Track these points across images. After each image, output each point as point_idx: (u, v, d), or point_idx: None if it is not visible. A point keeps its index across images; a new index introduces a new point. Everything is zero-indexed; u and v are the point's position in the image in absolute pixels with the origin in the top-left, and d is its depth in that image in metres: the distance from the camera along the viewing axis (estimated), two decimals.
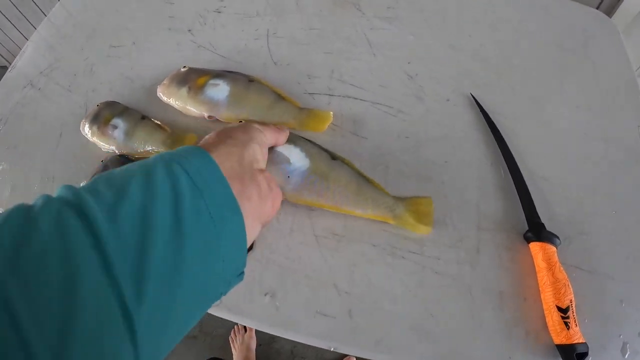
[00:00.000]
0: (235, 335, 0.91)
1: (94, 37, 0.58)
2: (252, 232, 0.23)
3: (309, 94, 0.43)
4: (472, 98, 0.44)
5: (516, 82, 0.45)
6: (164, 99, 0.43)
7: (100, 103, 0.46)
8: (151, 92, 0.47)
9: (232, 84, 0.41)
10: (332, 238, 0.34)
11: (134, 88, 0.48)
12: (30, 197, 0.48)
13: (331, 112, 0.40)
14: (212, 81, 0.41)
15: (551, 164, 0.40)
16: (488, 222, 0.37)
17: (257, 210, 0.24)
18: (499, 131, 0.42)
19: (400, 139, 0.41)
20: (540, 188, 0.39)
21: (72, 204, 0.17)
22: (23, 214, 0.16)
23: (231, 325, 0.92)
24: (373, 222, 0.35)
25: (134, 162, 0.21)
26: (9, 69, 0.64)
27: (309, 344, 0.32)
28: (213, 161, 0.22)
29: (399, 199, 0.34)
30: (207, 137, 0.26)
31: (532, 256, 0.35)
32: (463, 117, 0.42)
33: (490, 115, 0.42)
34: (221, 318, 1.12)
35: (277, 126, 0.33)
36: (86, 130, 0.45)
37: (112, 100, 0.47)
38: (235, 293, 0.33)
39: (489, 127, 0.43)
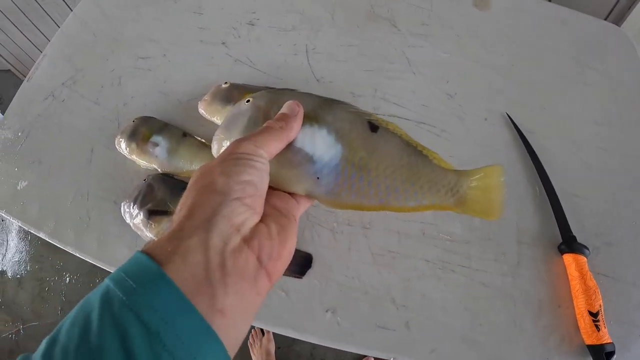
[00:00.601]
0: (254, 340, 0.90)
1: (117, 47, 0.55)
2: (240, 336, 0.18)
3: None
4: (507, 117, 0.44)
5: (544, 99, 0.46)
6: (207, 116, 0.41)
7: (136, 118, 0.44)
8: (188, 107, 0.45)
9: None
10: (387, 255, 0.35)
11: (169, 103, 0.46)
12: (63, 214, 0.46)
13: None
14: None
15: (578, 179, 0.42)
16: (526, 237, 0.39)
17: (243, 305, 0.17)
18: (533, 150, 0.43)
19: (445, 159, 0.41)
20: (570, 203, 0.41)
21: None
22: None
23: (249, 330, 0.91)
24: (424, 237, 0.36)
25: (80, 310, 0.16)
26: (26, 79, 0.60)
27: (368, 355, 0.34)
28: (170, 283, 0.15)
29: (462, 174, 0.26)
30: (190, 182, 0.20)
31: (565, 266, 0.38)
32: (500, 136, 0.43)
33: (524, 133, 0.43)
34: None
35: (284, 115, 0.23)
36: (123, 146, 0.43)
37: (147, 115, 0.45)
38: (297, 311, 0.33)
39: (524, 145, 0.43)
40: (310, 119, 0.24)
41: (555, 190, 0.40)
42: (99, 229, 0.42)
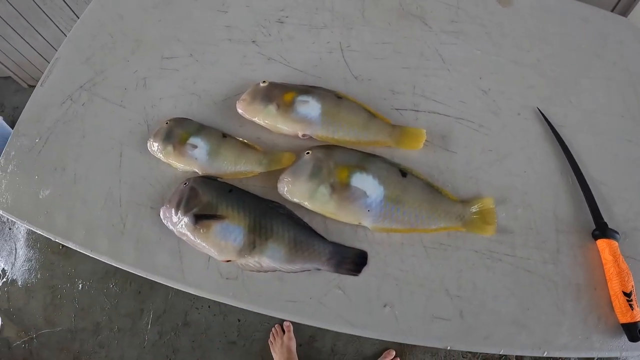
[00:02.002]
0: (275, 338, 0.85)
1: (139, 48, 0.51)
2: None
3: (396, 109, 0.40)
4: (538, 112, 0.43)
5: (571, 94, 0.45)
6: (247, 116, 0.38)
7: (170, 120, 0.40)
8: (224, 107, 0.41)
9: (322, 100, 0.36)
10: (439, 248, 0.35)
11: (202, 104, 0.42)
12: (93, 222, 0.42)
13: (424, 130, 0.37)
14: (300, 98, 0.37)
15: (606, 169, 0.41)
16: (563, 225, 0.39)
17: None
18: (564, 142, 0.42)
19: (485, 153, 0.40)
20: (600, 191, 0.40)
21: None
22: None
23: (269, 328, 0.88)
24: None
25: None
26: (39, 84, 0.54)
27: (426, 345, 0.34)
28: None
29: (466, 204, 0.34)
30: None
31: (598, 251, 0.37)
32: (533, 130, 0.42)
33: (555, 127, 0.42)
34: (259, 322, 1.06)
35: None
36: (156, 149, 0.39)
37: (180, 117, 0.41)
38: (355, 308, 0.32)
39: (556, 138, 0.42)
40: (359, 167, 0.33)
41: (586, 180, 0.40)
42: (135, 236, 0.38)
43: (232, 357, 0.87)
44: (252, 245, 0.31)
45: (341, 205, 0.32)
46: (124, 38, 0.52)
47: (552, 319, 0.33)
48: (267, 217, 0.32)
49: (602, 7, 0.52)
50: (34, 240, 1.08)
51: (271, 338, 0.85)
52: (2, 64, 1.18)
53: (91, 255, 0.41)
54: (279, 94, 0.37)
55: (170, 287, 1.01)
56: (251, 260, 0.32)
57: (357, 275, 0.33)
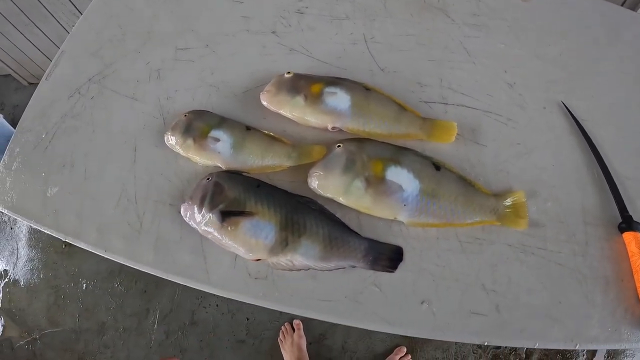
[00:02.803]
0: (284, 337, 0.81)
1: (150, 39, 0.47)
2: None
3: (425, 102, 0.37)
4: (563, 105, 0.41)
5: (592, 88, 0.43)
6: (272, 108, 0.35)
7: (188, 112, 0.36)
8: (245, 99, 0.38)
9: (351, 92, 0.34)
10: (474, 242, 0.33)
11: (222, 96, 0.39)
12: (107, 221, 0.38)
13: (455, 123, 0.35)
14: (327, 89, 0.34)
15: (630, 163, 0.40)
16: (590, 218, 0.38)
17: None
18: (589, 136, 0.40)
19: (514, 146, 0.38)
20: (625, 185, 0.39)
21: None
22: None
23: (278, 326, 0.84)
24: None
25: None
26: (44, 77, 0.50)
27: (463, 342, 0.32)
28: None
29: (499, 198, 0.33)
30: None
31: (625, 244, 0.36)
32: (558, 123, 0.40)
33: (579, 121, 0.40)
34: (269, 320, 1.02)
35: None
36: (175, 143, 0.35)
37: (198, 109, 0.37)
38: (392, 305, 0.30)
39: (581, 132, 0.41)
40: (393, 161, 0.31)
41: (611, 173, 0.38)
42: (154, 234, 0.35)
43: (241, 356, 0.83)
44: (285, 242, 0.29)
45: (377, 199, 0.30)
46: (134, 30, 0.48)
47: (582, 312, 0.32)
48: (299, 212, 0.29)
49: (612, 1, 0.51)
50: (36, 239, 1.02)
51: (281, 336, 0.82)
52: (2, 61, 1.11)
53: (105, 256, 0.37)
54: (305, 85, 0.34)
55: (176, 285, 0.96)
56: (283, 259, 0.29)
57: (393, 271, 0.30)
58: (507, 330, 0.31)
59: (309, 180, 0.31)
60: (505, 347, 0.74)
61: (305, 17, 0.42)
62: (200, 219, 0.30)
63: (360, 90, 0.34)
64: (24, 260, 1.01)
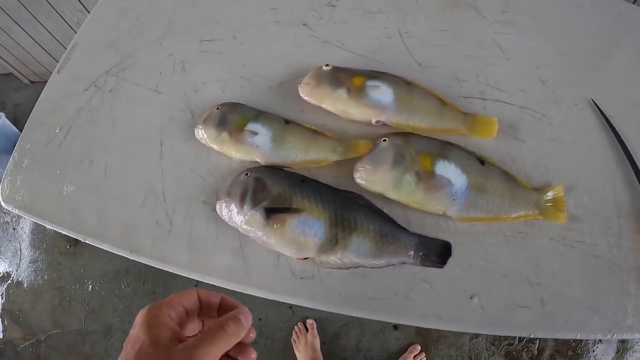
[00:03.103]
0: (298, 337, 0.78)
1: (172, 30, 0.43)
2: None
3: (464, 97, 0.35)
4: (592, 102, 0.39)
5: (620, 86, 0.42)
6: (312, 101, 0.32)
7: (221, 105, 0.33)
8: (281, 92, 0.35)
9: (394, 86, 0.31)
10: (518, 236, 0.32)
11: (255, 88, 0.36)
12: (132, 221, 0.34)
13: (496, 118, 0.33)
14: (370, 82, 0.31)
15: None
16: (623, 212, 0.38)
17: None
18: (617, 133, 0.39)
19: (550, 142, 0.36)
20: None
21: None
22: None
23: (291, 326, 0.80)
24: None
25: None
26: (56, 71, 0.45)
27: (512, 335, 0.33)
28: None
29: (540, 192, 0.32)
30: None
31: None
32: (589, 120, 0.39)
33: (608, 118, 0.39)
34: (281, 320, 0.98)
35: (233, 320, 0.19)
36: (207, 137, 0.32)
37: (231, 102, 0.34)
38: (442, 300, 0.29)
39: (610, 129, 0.39)
40: (440, 155, 0.30)
41: None
42: (186, 234, 0.31)
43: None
44: (335, 240, 0.26)
45: (428, 194, 0.28)
46: (154, 21, 0.44)
47: (618, 302, 0.32)
48: (349, 208, 0.27)
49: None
50: (39, 240, 0.95)
51: (294, 336, 0.78)
52: (3, 59, 1.03)
53: (131, 258, 0.33)
54: (346, 77, 0.31)
55: (186, 285, 0.91)
56: (332, 257, 0.26)
57: (442, 267, 0.28)
58: (552, 322, 0.30)
59: (355, 175, 0.29)
60: (518, 343, 0.73)
61: (337, 10, 0.39)
62: (241, 217, 0.27)
63: (402, 84, 0.32)
64: (27, 262, 0.94)
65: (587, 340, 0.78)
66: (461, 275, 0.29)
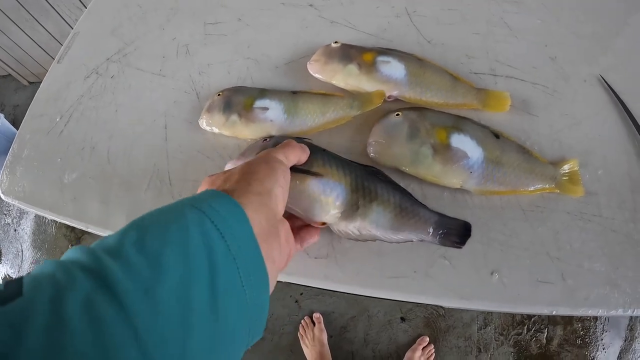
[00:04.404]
0: (305, 331, 0.75)
1: (175, 16, 0.41)
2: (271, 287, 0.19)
3: (475, 73, 0.34)
4: (602, 79, 0.38)
5: (626, 63, 0.41)
6: (322, 78, 0.30)
7: (222, 91, 0.31)
8: (289, 71, 0.34)
9: (405, 61, 0.30)
10: (536, 210, 0.31)
11: (262, 68, 0.34)
12: (137, 207, 0.32)
13: (508, 92, 0.32)
14: (380, 58, 0.30)
15: None
16: (636, 185, 0.36)
17: (276, 270, 0.20)
18: (628, 109, 0.38)
19: (563, 117, 0.35)
20: None
21: (103, 285, 0.13)
22: (49, 306, 0.12)
23: (298, 321, 0.78)
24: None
25: (161, 210, 0.17)
26: (56, 61, 0.43)
27: (534, 313, 0.30)
28: (246, 220, 0.17)
29: (556, 165, 0.31)
30: (228, 170, 0.22)
31: None
32: (600, 96, 0.38)
33: (618, 94, 0.38)
34: (288, 314, 0.95)
35: (296, 144, 0.24)
36: (215, 123, 0.31)
37: (231, 86, 0.32)
38: (463, 277, 0.27)
39: (621, 105, 0.38)
40: (455, 128, 0.29)
41: None
42: None
43: (261, 352, 0.77)
44: (356, 206, 0.24)
45: (445, 167, 0.27)
46: (156, 7, 0.43)
47: (637, 277, 0.30)
48: (369, 179, 0.25)
49: None
50: (41, 240, 0.93)
51: (301, 331, 0.75)
52: (2, 61, 1.01)
53: None
54: (357, 53, 0.30)
55: None
56: (351, 226, 0.24)
57: (461, 247, 0.27)
58: (574, 298, 0.29)
59: (368, 150, 0.27)
60: (527, 332, 0.72)
61: None
62: None
63: (414, 59, 0.31)
64: (29, 263, 0.91)
65: (595, 329, 0.77)
66: (481, 250, 0.28)
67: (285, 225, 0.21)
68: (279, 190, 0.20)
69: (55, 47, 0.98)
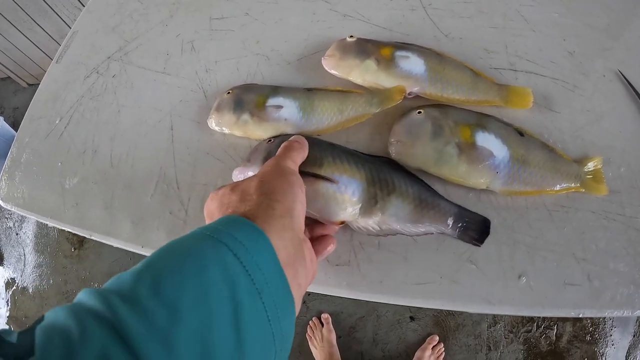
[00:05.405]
0: (313, 332, 0.73)
1: (178, 11, 0.39)
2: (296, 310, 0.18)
3: (495, 69, 0.32)
4: (619, 74, 0.36)
5: None
6: (338, 74, 0.28)
7: (232, 89, 0.29)
8: (301, 67, 0.32)
9: (424, 56, 0.28)
10: (561, 210, 0.29)
11: (272, 64, 0.32)
12: (142, 212, 0.30)
13: (530, 89, 0.30)
14: (398, 52, 0.28)
15: None
16: None
17: (302, 293, 0.19)
18: None
19: (584, 113, 0.33)
20: None
21: (118, 337, 0.12)
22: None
23: (306, 322, 0.76)
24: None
25: (176, 246, 0.15)
26: (55, 61, 0.41)
27: (561, 316, 0.29)
28: (271, 249, 0.16)
29: (580, 164, 0.30)
30: (238, 184, 0.19)
31: None
32: (619, 91, 0.36)
33: (636, 89, 0.36)
34: (296, 316, 0.95)
35: (294, 142, 0.23)
36: (225, 124, 0.28)
37: (240, 84, 0.30)
38: (490, 281, 0.25)
39: (639, 99, 0.36)
40: (479, 126, 0.27)
41: None
42: (204, 223, 0.27)
43: None
44: (374, 200, 0.23)
45: (470, 167, 0.25)
46: (158, 3, 0.40)
47: None
48: (384, 170, 0.24)
49: None
50: (43, 244, 0.90)
51: (309, 332, 0.74)
52: (1, 63, 0.97)
53: (143, 253, 0.29)
54: (374, 48, 0.28)
55: None
56: (370, 221, 0.23)
57: (479, 245, 0.25)
58: (600, 299, 0.27)
59: (390, 150, 0.26)
60: (536, 329, 0.71)
61: None
62: None
63: (433, 54, 0.29)
64: (31, 267, 0.88)
65: (604, 325, 0.76)
66: (507, 253, 0.26)
67: (308, 244, 0.19)
68: (299, 206, 0.19)
69: (54, 48, 0.95)
